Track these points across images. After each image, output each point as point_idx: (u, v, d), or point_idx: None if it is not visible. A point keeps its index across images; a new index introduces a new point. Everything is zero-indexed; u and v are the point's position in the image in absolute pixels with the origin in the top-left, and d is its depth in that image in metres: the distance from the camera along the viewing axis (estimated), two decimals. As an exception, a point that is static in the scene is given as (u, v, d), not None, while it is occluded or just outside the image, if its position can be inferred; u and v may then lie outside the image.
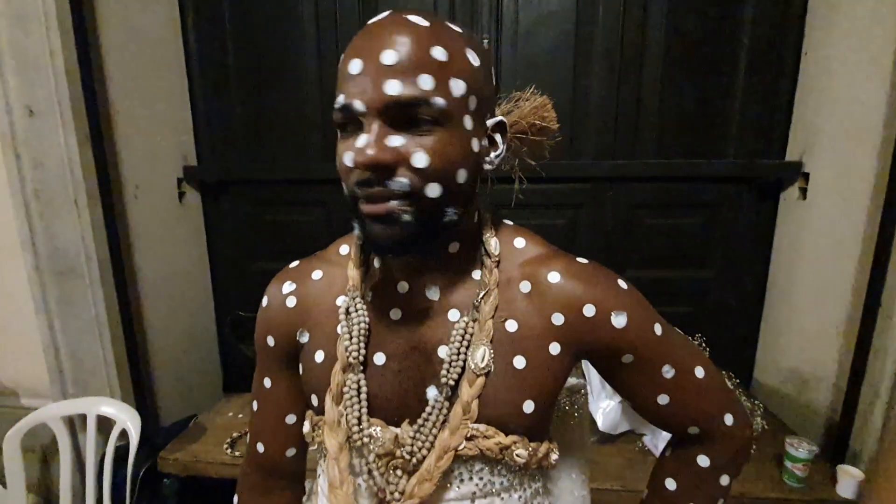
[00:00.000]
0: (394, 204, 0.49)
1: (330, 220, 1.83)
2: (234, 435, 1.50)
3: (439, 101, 0.48)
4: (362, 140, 0.48)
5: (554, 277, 0.57)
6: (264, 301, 0.67)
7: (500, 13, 1.64)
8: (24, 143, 1.36)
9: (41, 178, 1.38)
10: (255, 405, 0.70)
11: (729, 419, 0.63)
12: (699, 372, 0.61)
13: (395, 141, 0.49)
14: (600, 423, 1.38)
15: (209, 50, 1.77)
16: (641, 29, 1.60)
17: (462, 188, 0.52)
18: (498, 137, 0.58)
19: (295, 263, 0.68)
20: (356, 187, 0.51)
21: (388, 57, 0.47)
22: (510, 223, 0.65)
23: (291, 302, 0.64)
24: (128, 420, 1.35)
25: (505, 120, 0.59)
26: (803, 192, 1.54)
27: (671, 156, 1.67)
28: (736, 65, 1.59)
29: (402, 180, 0.49)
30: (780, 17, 1.54)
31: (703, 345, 1.45)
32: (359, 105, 0.48)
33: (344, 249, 0.66)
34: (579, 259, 0.60)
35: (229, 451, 1.43)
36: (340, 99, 0.50)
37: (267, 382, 0.68)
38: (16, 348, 1.59)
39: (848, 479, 1.21)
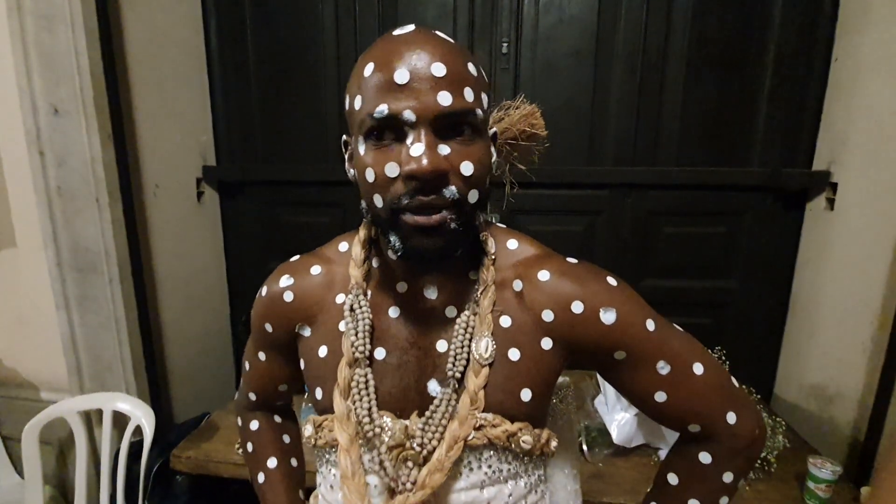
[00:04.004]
0: (445, 213, 0.51)
1: (345, 221, 1.84)
2: (246, 435, 1.50)
3: (479, 112, 0.52)
4: (417, 149, 0.49)
5: (544, 276, 0.59)
6: (263, 290, 0.68)
7: (520, 16, 1.62)
8: (48, 142, 1.38)
9: (64, 175, 1.40)
10: (247, 366, 0.75)
11: (731, 418, 0.61)
12: (697, 368, 0.60)
13: (444, 150, 0.51)
14: (615, 435, 1.35)
15: (230, 52, 1.79)
16: (664, 33, 1.57)
17: (487, 193, 0.56)
18: (492, 148, 0.62)
19: (294, 258, 0.69)
20: (403, 198, 0.51)
21: (439, 69, 0.49)
22: (502, 226, 0.67)
23: (289, 296, 0.65)
24: (142, 417, 1.37)
25: (497, 131, 0.63)
26: (830, 202, 1.50)
27: (693, 163, 1.63)
28: (762, 71, 1.55)
29: (452, 188, 0.51)
30: (809, 22, 1.49)
31: (723, 358, 1.41)
32: (409, 115, 0.49)
33: (343, 247, 0.67)
34: (569, 259, 0.62)
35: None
36: (383, 108, 0.49)
37: (262, 356, 0.72)
38: (36, 343, 1.62)
39: (873, 502, 1.17)
